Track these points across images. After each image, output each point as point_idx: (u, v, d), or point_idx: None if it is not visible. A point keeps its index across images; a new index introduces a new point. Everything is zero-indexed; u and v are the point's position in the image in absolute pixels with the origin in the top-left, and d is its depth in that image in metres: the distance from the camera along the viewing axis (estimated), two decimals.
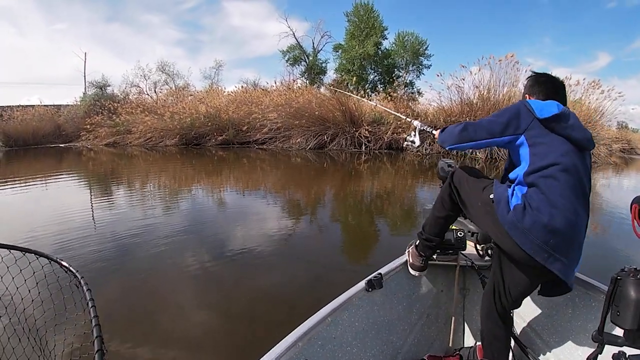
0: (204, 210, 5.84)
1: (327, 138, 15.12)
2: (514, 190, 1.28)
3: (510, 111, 1.38)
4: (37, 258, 1.24)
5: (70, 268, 1.17)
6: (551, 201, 1.18)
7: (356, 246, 4.44)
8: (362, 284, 1.56)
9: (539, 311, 1.68)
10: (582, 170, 1.27)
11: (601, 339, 1.03)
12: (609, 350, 1.00)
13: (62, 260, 1.21)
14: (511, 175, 1.40)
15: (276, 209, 5.99)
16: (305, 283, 3.16)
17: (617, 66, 44.21)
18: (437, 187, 2.10)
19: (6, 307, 1.31)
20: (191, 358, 2.12)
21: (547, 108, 1.32)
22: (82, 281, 1.10)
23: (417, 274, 1.74)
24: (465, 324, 1.93)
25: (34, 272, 1.28)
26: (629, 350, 0.96)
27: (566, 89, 1.57)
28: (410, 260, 1.75)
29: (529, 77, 1.59)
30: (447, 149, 1.55)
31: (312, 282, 3.18)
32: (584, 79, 13.68)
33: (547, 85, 1.51)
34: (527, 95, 1.55)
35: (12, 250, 1.26)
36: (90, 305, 1.01)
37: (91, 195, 7.32)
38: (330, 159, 12.73)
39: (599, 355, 1.06)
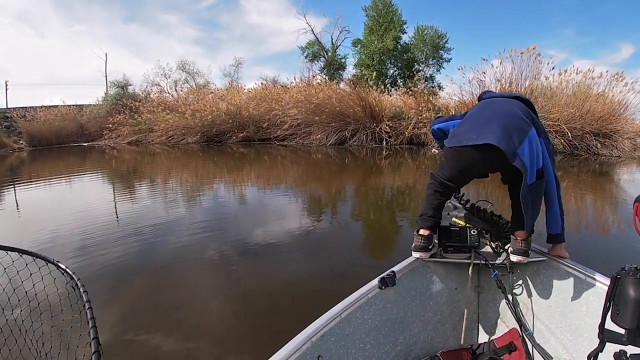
0: (227, 207, 5.84)
1: (347, 134, 14.98)
2: None
3: None
4: (34, 260, 1.20)
5: (67, 270, 1.14)
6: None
7: (379, 242, 4.34)
8: (375, 281, 1.60)
9: (554, 309, 1.68)
10: None
11: (602, 337, 1.03)
12: (614, 348, 1.00)
13: (59, 262, 1.16)
14: None
15: (298, 205, 5.93)
16: (327, 278, 3.14)
17: None
18: None
19: (3, 309, 1.28)
20: (213, 350, 2.17)
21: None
22: (78, 283, 1.07)
23: (418, 255, 1.74)
24: (480, 322, 1.93)
25: (30, 274, 1.24)
26: (631, 349, 0.96)
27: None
28: (413, 244, 1.77)
29: None
30: None
31: (334, 277, 3.15)
32: (606, 71, 13.04)
33: None
34: None
35: (9, 252, 1.22)
36: (86, 307, 1.00)
37: (115, 192, 7.45)
38: (351, 155, 12.60)
39: (603, 353, 1.06)
